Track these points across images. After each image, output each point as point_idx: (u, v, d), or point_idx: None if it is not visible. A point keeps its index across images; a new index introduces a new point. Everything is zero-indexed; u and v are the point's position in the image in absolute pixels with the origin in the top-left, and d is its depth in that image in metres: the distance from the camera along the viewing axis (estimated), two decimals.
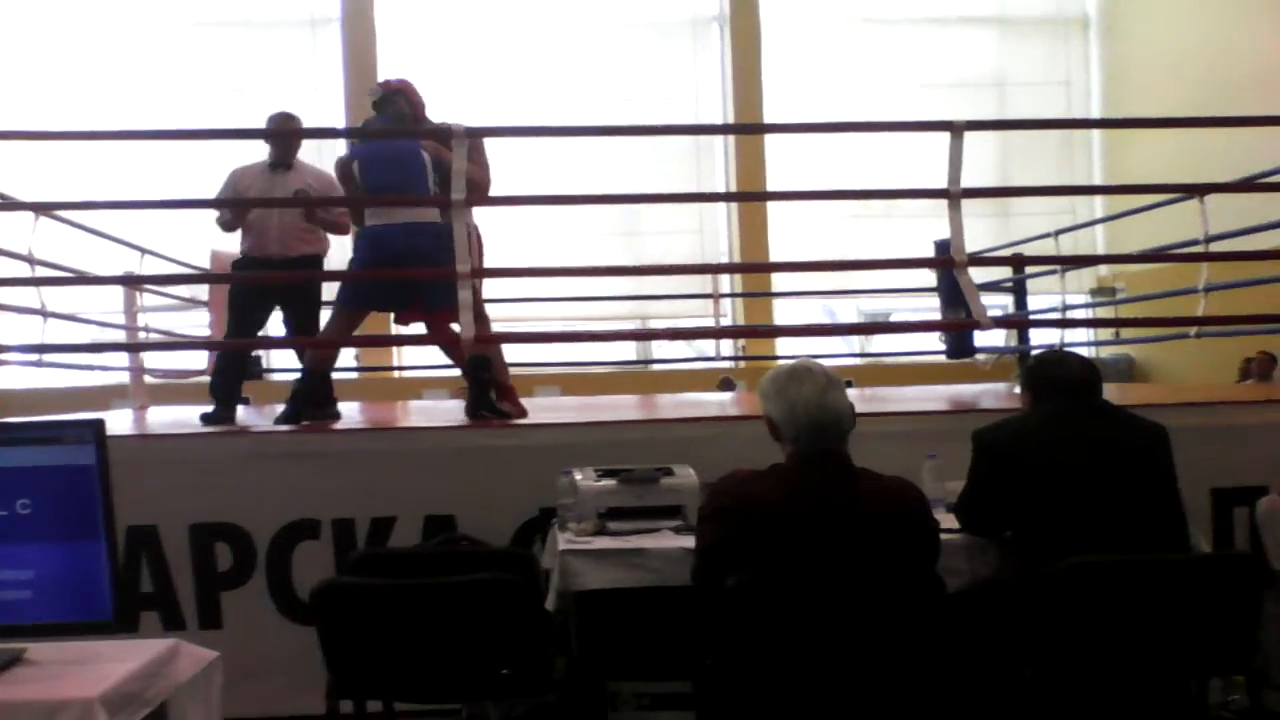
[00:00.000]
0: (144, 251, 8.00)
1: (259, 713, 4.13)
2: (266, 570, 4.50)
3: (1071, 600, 3.18)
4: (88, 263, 7.51)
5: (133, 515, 4.33)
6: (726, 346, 11.85)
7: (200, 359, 8.84)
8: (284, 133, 6.04)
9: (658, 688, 3.85)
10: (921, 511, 3.20)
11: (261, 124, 6.17)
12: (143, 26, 14.36)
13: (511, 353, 5.86)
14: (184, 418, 6.04)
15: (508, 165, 8.74)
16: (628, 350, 13.60)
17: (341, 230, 6.11)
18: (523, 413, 5.43)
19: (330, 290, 6.36)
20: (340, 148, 8.25)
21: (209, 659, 2.63)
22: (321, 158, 13.94)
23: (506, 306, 9.31)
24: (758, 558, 3.05)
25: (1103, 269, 14.19)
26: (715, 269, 11.54)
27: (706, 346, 11.72)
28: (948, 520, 3.61)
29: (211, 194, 6.21)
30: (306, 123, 6.19)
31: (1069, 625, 3.19)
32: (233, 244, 6.40)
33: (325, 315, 5.97)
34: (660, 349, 13.53)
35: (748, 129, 15.03)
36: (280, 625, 4.46)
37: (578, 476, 3.95)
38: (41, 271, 6.45)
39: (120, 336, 7.88)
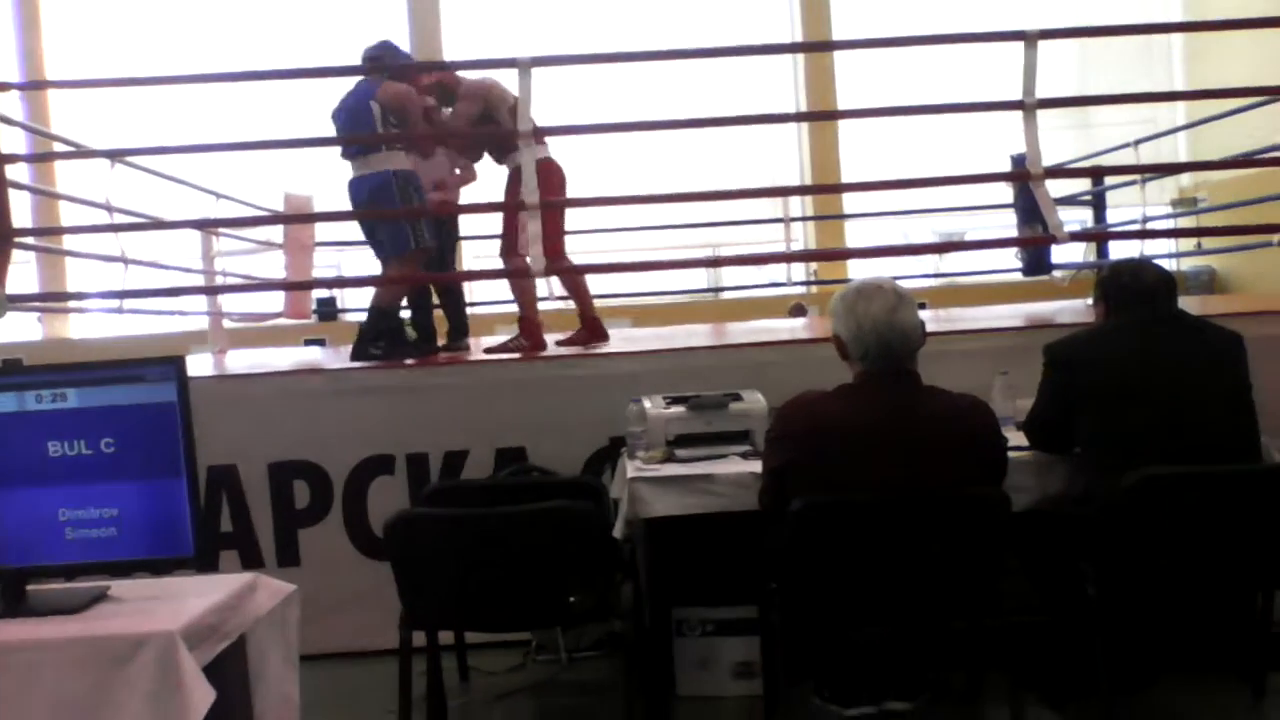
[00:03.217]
0: (218, 195, 8.10)
1: (337, 648, 4.25)
2: (343, 506, 4.60)
3: (1140, 513, 3.15)
4: (164, 210, 7.62)
5: (213, 456, 4.42)
6: (798, 272, 11.76)
7: (277, 301, 8.99)
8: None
9: (723, 613, 3.89)
10: (990, 428, 3.18)
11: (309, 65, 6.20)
12: None
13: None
14: (262, 360, 6.14)
15: (572, 99, 8.73)
16: (699, 280, 13.54)
17: None
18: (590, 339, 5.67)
19: None
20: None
21: (287, 592, 2.70)
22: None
23: (575, 239, 9.32)
24: (824, 479, 3.05)
25: (1185, 179, 13.80)
26: (782, 191, 11.39)
27: (778, 273, 11.63)
28: (1017, 438, 3.57)
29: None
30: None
31: (1138, 539, 3.15)
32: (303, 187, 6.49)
33: None
34: (731, 277, 13.45)
35: (814, 47, 14.78)
36: (357, 561, 4.55)
37: (646, 404, 3.95)
38: (119, 219, 6.56)
39: (198, 282, 7.99)
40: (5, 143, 5.09)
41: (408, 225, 5.58)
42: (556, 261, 5.56)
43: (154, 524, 2.47)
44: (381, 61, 5.69)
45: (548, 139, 5.72)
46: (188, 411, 2.47)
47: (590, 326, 5.84)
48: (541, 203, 4.94)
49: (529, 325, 5.69)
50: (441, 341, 6.43)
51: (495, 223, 6.13)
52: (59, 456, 2.46)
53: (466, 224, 6.41)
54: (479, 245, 8.50)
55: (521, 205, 4.98)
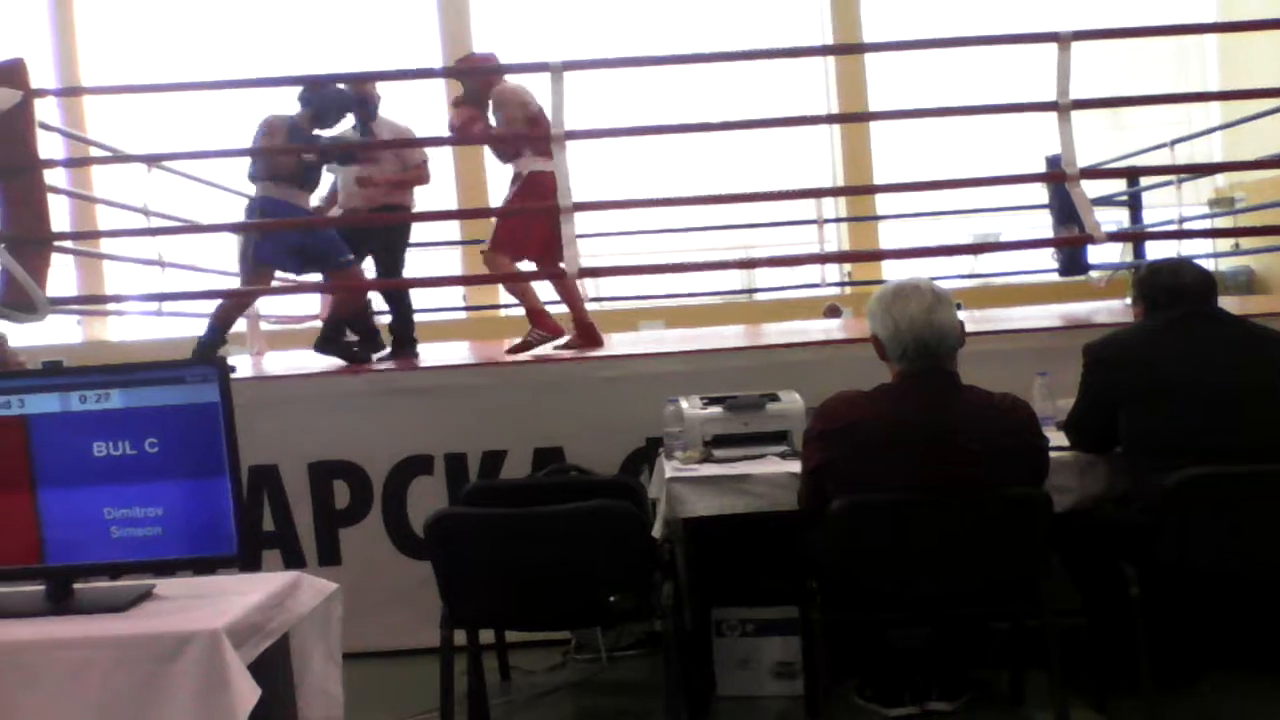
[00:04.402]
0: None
1: (379, 646, 4.28)
2: (383, 506, 4.62)
3: (1182, 514, 3.12)
4: (201, 213, 7.68)
5: (254, 455, 4.46)
6: (832, 273, 11.72)
7: (313, 303, 9.02)
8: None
9: (764, 613, 3.88)
10: (1030, 428, 3.16)
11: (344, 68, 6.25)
12: None
13: (615, 287, 5.93)
14: (301, 362, 6.17)
15: (605, 103, 8.72)
16: (733, 281, 13.53)
17: None
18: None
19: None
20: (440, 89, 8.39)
21: (329, 590, 2.71)
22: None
23: (608, 241, 9.34)
24: (863, 479, 3.04)
25: (1220, 180, 13.66)
26: (815, 193, 11.36)
27: (812, 274, 11.58)
28: (1058, 438, 3.55)
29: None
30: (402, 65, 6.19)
31: (1180, 539, 3.13)
32: None
33: None
34: (765, 279, 13.44)
35: (846, 49, 14.70)
36: (397, 560, 4.58)
37: (684, 405, 3.95)
38: (156, 222, 6.62)
39: (235, 285, 8.03)
40: (43, 148, 5.13)
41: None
42: (551, 268, 5.57)
43: (198, 523, 2.48)
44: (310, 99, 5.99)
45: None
46: (230, 412, 2.49)
47: (583, 332, 5.81)
48: (549, 207, 4.95)
49: (538, 317, 5.70)
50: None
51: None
52: (103, 456, 2.48)
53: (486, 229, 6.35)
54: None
55: (558, 208, 4.99)
